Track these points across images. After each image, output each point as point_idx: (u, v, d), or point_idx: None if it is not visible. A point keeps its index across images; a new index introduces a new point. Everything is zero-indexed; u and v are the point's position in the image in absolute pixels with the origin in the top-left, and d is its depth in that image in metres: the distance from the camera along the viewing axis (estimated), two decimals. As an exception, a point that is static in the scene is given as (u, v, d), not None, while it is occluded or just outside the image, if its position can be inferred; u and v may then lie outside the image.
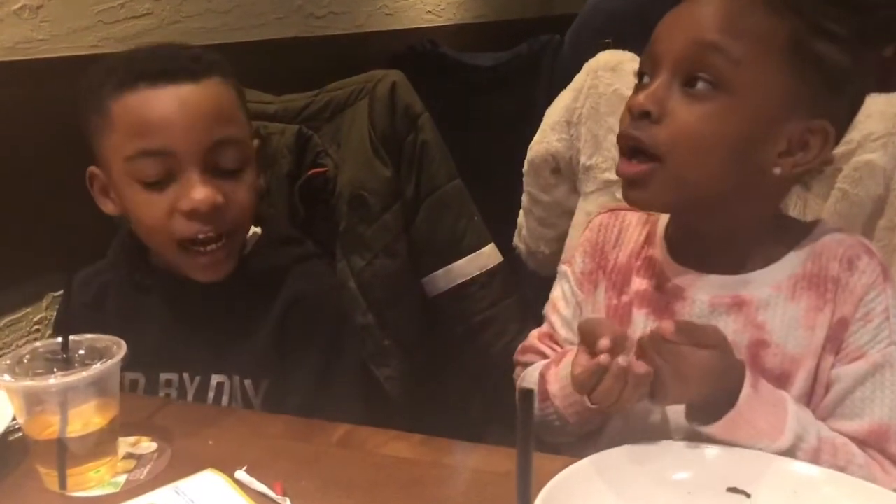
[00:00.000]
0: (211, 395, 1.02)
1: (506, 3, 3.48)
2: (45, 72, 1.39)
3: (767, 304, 0.81)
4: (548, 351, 0.95)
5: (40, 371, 0.77)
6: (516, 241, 1.27)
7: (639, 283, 0.88)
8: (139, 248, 1.05)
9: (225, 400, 1.02)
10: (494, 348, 1.21)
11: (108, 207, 1.02)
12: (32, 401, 0.76)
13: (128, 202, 0.97)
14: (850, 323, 0.78)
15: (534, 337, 0.98)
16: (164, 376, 1.03)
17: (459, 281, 1.22)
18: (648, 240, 0.90)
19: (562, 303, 0.97)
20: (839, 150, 0.95)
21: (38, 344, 0.80)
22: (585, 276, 0.93)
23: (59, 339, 0.80)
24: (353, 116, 1.22)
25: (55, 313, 1.27)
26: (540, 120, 1.20)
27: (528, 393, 0.59)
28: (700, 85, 0.76)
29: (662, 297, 0.85)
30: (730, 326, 0.81)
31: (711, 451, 0.74)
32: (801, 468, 0.72)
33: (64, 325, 0.95)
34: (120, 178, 0.96)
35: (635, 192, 0.80)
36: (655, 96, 0.77)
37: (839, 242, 0.81)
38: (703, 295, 0.83)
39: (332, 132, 1.23)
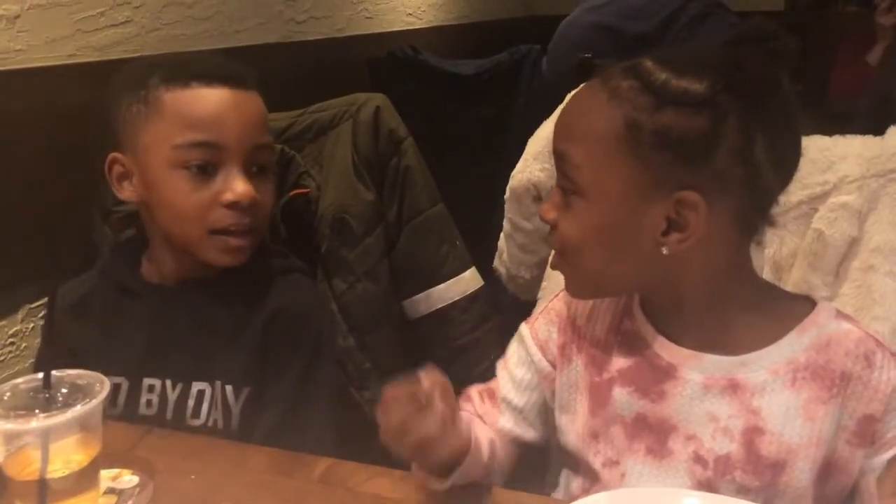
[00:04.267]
0: (191, 402, 1.04)
1: (486, 5, 3.48)
2: (24, 82, 1.37)
3: (764, 388, 0.79)
4: (477, 403, 0.95)
5: (22, 409, 0.77)
6: (497, 264, 1.28)
7: (621, 361, 0.85)
8: (133, 256, 1.11)
9: (205, 407, 1.03)
10: (475, 372, 1.22)
11: (125, 193, 1.06)
12: (13, 439, 0.75)
13: (164, 188, 1.01)
14: (879, 418, 0.77)
15: (474, 390, 0.97)
16: (146, 381, 1.05)
17: (440, 305, 1.22)
18: (626, 311, 0.88)
19: (514, 360, 0.95)
20: (815, 191, 0.97)
21: (19, 381, 0.79)
22: (559, 350, 0.91)
23: (41, 376, 0.79)
24: (335, 139, 1.21)
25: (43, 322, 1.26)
26: (519, 132, 1.21)
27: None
28: (566, 192, 0.80)
29: (651, 375, 0.83)
30: (723, 410, 0.79)
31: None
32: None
33: (46, 337, 1.08)
34: (161, 165, 1.01)
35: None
36: (552, 205, 0.83)
37: (847, 335, 0.79)
38: (696, 375, 0.81)
39: (315, 154, 1.23)
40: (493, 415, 0.94)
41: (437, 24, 3.04)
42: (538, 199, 1.16)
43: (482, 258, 1.31)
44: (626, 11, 2.11)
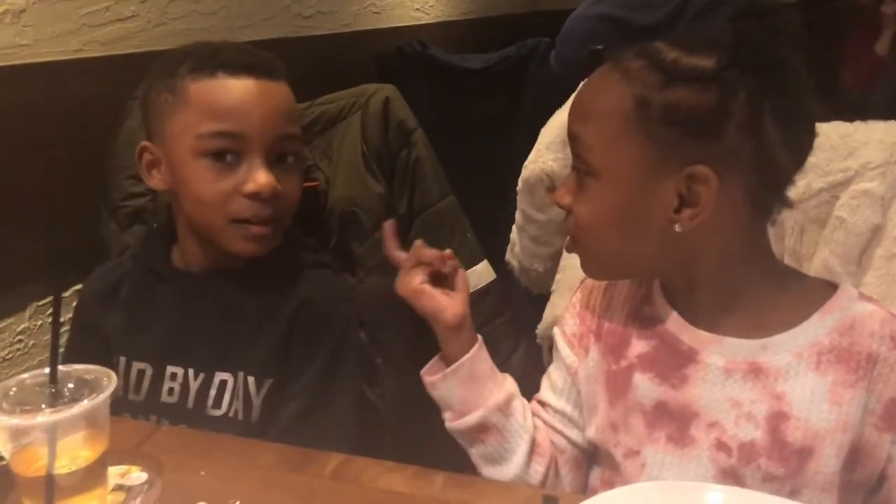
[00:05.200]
0: (213, 392, 1.04)
1: (493, 0, 3.46)
2: (29, 77, 1.36)
3: (787, 372, 0.77)
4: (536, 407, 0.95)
5: (28, 404, 0.75)
6: (509, 257, 1.26)
7: (640, 346, 0.84)
8: (165, 243, 1.11)
9: (226, 398, 1.03)
10: (486, 367, 1.20)
11: (153, 182, 1.07)
12: (20, 435, 0.74)
13: (187, 177, 1.01)
14: None
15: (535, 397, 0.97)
16: (170, 369, 1.05)
17: (451, 299, 1.20)
18: (645, 298, 0.87)
19: (552, 366, 0.95)
20: (837, 178, 0.95)
21: (25, 376, 0.78)
22: (576, 339, 0.91)
23: (47, 371, 0.78)
24: (344, 131, 1.20)
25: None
26: (527, 125, 1.20)
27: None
28: (580, 174, 0.80)
29: (671, 360, 0.82)
30: (746, 395, 0.78)
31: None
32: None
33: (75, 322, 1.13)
34: (185, 154, 1.01)
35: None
36: (566, 188, 0.83)
37: (871, 316, 0.77)
38: (717, 359, 0.79)
39: (324, 146, 1.21)
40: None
41: (444, 20, 3.02)
42: (551, 189, 1.14)
43: (493, 251, 1.29)
44: (634, 3, 2.08)
